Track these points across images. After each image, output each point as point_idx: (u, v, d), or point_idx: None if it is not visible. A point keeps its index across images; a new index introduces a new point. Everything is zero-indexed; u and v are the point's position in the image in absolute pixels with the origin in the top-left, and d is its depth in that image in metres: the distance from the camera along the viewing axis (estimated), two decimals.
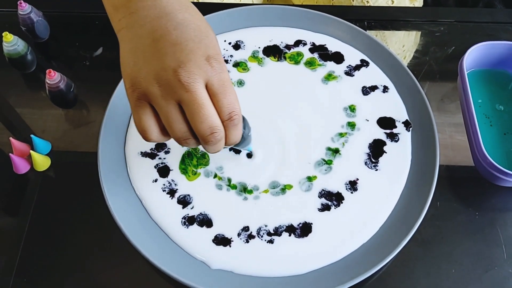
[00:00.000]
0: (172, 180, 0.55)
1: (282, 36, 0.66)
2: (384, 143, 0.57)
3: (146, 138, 0.43)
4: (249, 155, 0.56)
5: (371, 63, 0.64)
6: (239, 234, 0.51)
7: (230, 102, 0.42)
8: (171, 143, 0.57)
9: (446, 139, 0.60)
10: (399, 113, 0.60)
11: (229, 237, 0.51)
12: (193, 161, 0.56)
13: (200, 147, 0.57)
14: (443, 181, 0.56)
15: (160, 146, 0.57)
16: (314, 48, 0.65)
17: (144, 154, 0.57)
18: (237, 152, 0.56)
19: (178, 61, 0.41)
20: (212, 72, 0.42)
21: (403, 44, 0.71)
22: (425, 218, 0.51)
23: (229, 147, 0.50)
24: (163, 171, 0.56)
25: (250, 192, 0.54)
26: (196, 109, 0.41)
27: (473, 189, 0.57)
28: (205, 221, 0.52)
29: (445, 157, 0.58)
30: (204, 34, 0.43)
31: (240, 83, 0.62)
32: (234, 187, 0.54)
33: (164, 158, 0.56)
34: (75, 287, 0.51)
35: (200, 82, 0.41)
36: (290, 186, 0.54)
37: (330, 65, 0.64)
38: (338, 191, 0.54)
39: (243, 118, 0.48)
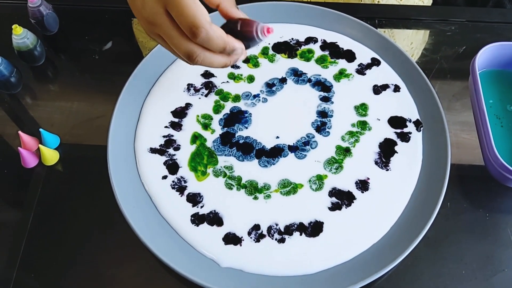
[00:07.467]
0: (182, 177, 0.55)
1: (293, 32, 0.66)
2: (395, 143, 0.57)
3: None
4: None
5: (382, 62, 0.63)
6: (249, 233, 0.51)
7: (186, 18, 0.42)
8: (180, 139, 0.57)
9: (452, 137, 0.59)
10: (410, 112, 0.59)
11: (240, 236, 0.51)
12: (203, 160, 0.56)
13: (209, 143, 0.57)
14: (453, 180, 0.56)
15: (170, 143, 0.57)
16: (325, 46, 0.65)
17: (154, 151, 0.56)
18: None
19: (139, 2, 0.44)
20: None
21: (411, 41, 0.70)
22: (435, 218, 0.51)
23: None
24: (172, 167, 0.55)
25: (261, 191, 0.54)
26: (168, 41, 0.44)
27: (483, 189, 0.57)
28: (215, 220, 0.52)
29: (454, 155, 0.57)
30: None
31: (251, 79, 0.62)
32: (244, 186, 0.54)
33: (174, 155, 0.56)
34: (79, 281, 0.51)
35: (158, 14, 0.43)
36: (301, 185, 0.54)
37: (342, 63, 0.63)
38: (348, 190, 0.54)
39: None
